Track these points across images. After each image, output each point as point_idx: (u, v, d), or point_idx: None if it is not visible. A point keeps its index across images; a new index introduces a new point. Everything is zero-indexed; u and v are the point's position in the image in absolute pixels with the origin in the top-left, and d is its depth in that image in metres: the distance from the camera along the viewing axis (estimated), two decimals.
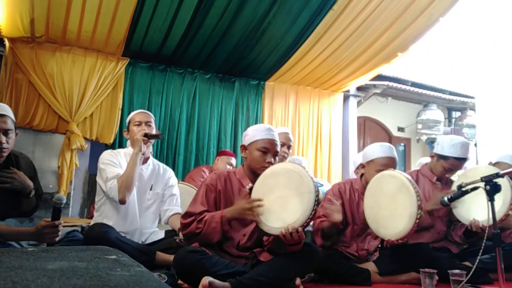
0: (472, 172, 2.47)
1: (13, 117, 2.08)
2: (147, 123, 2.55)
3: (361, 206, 2.49)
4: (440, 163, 2.67)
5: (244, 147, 2.17)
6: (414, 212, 2.10)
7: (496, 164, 2.95)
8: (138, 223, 2.49)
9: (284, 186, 1.92)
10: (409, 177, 2.20)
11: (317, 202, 1.86)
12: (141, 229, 2.50)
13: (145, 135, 2.47)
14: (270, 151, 2.10)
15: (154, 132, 2.57)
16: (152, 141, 2.56)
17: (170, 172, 2.69)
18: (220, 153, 4.13)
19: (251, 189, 2.09)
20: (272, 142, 2.11)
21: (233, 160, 3.94)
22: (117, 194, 2.30)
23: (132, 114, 2.66)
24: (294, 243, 1.88)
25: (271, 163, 2.08)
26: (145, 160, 2.55)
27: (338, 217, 2.27)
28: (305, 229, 1.97)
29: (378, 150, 2.51)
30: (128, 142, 3.77)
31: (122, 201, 2.33)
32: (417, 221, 2.10)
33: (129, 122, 2.62)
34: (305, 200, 1.84)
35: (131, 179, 2.35)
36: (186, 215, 2.04)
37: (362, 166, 2.58)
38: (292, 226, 1.82)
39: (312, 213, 1.84)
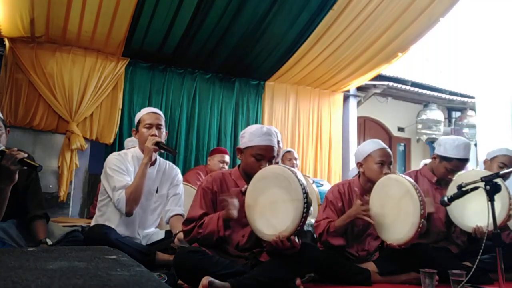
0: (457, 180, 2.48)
1: (0, 115, 2.07)
2: (158, 126, 2.43)
3: None
4: (443, 165, 2.67)
5: (240, 150, 2.14)
6: (416, 222, 2.09)
7: (494, 159, 2.95)
8: (141, 228, 2.45)
9: (274, 192, 1.88)
10: (415, 184, 2.18)
11: (307, 209, 1.80)
12: (143, 232, 2.48)
13: (157, 143, 2.35)
14: (266, 158, 2.06)
15: (164, 135, 2.48)
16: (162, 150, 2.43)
17: (176, 170, 2.61)
18: (211, 151, 4.02)
19: (246, 190, 2.09)
20: (268, 149, 2.06)
21: (227, 158, 3.85)
22: (125, 206, 2.24)
23: (142, 113, 2.50)
24: (288, 248, 1.86)
25: None
26: (152, 163, 2.46)
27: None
28: (304, 230, 1.96)
29: (371, 144, 2.51)
30: (127, 141, 3.77)
31: (129, 214, 2.28)
32: (419, 229, 2.10)
33: (138, 122, 2.48)
34: (294, 207, 1.81)
35: (140, 191, 2.29)
36: (187, 221, 2.05)
37: (360, 165, 2.54)
38: (283, 234, 1.80)
39: (302, 220, 1.81)
